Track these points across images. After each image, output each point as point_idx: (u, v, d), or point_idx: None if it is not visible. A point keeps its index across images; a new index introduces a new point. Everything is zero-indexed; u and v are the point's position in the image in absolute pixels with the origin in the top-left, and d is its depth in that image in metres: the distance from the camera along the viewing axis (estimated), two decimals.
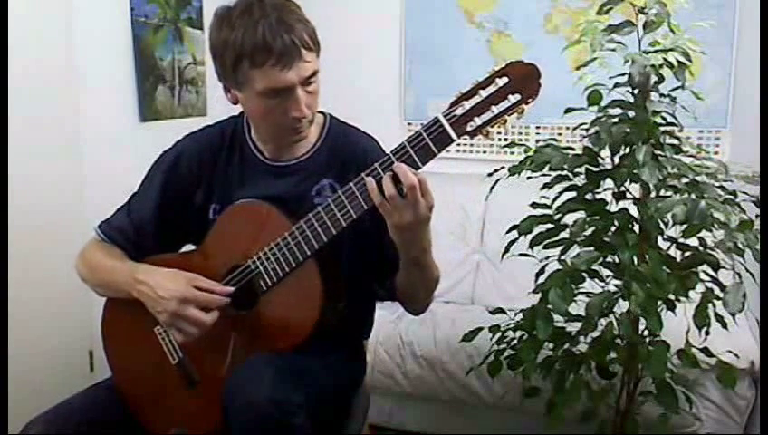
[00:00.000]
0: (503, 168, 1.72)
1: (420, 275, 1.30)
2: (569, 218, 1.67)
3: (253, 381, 1.15)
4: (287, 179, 1.35)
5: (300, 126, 1.28)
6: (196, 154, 1.40)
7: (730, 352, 1.77)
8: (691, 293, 1.59)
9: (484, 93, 1.13)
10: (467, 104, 1.13)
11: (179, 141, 1.44)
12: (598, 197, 1.69)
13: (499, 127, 1.13)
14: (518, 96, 1.12)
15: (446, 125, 1.13)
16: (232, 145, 1.39)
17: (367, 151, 1.35)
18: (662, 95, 1.68)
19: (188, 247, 1.44)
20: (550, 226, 1.69)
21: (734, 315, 1.49)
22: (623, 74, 1.65)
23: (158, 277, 1.28)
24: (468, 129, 1.13)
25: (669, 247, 1.68)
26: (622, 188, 1.68)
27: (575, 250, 1.65)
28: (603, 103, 1.71)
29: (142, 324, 1.32)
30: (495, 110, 1.12)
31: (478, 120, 1.13)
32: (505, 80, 1.12)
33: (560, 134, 2.73)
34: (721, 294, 1.53)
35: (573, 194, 1.70)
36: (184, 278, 1.26)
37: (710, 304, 1.56)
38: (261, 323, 1.28)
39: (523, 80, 1.12)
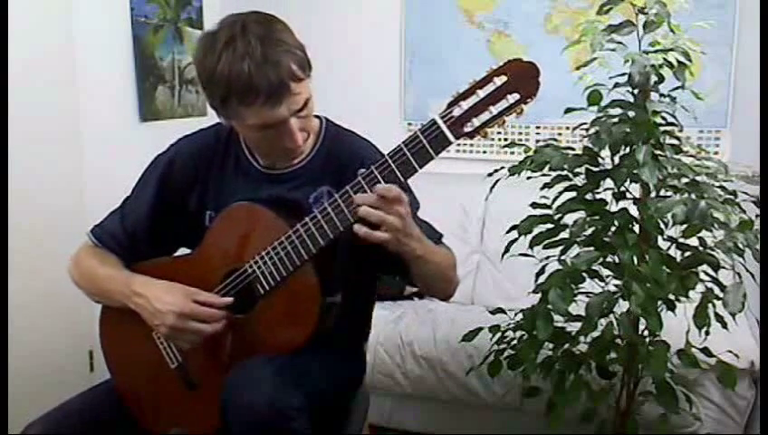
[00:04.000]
0: (503, 168, 1.72)
1: (427, 267, 1.26)
2: (569, 218, 1.67)
3: (252, 383, 1.15)
4: (283, 186, 1.33)
5: (296, 149, 1.27)
6: (191, 157, 1.37)
7: (730, 352, 1.76)
8: (691, 293, 1.59)
9: (482, 93, 1.09)
10: (465, 105, 1.10)
11: (174, 144, 1.41)
12: (598, 197, 1.69)
13: (498, 127, 1.11)
14: (517, 96, 1.08)
15: (444, 127, 1.10)
16: (227, 150, 1.37)
17: (364, 156, 1.32)
18: (662, 95, 1.68)
19: (183, 250, 1.43)
20: (550, 226, 1.69)
21: (734, 315, 1.49)
22: (623, 74, 1.65)
23: (155, 290, 1.26)
24: (466, 130, 1.10)
25: (669, 247, 1.68)
26: (622, 188, 1.68)
27: (575, 250, 1.65)
28: (603, 103, 1.71)
29: (140, 327, 1.31)
30: (494, 110, 1.09)
31: (476, 122, 1.09)
32: (504, 78, 1.09)
33: (560, 134, 2.73)
34: (721, 294, 1.53)
35: (573, 194, 1.70)
36: (182, 292, 1.25)
37: (710, 304, 1.56)
38: (260, 326, 1.27)
39: (522, 78, 1.08)
